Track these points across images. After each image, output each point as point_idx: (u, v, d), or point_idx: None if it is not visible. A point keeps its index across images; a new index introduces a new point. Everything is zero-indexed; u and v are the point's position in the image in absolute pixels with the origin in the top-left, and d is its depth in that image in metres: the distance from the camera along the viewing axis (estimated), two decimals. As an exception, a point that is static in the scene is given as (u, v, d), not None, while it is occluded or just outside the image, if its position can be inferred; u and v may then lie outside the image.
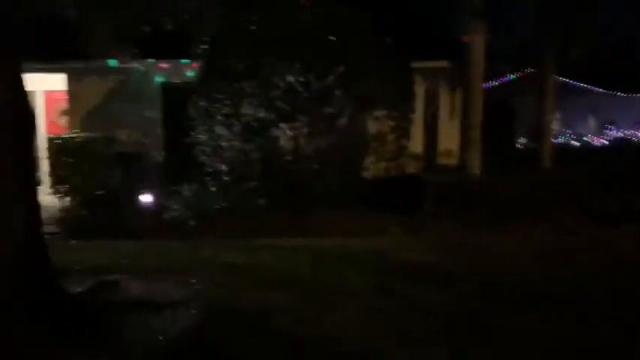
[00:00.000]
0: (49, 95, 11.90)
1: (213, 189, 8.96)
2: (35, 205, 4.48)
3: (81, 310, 4.60)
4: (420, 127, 11.49)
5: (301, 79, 8.86)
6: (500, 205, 8.69)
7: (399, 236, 7.70)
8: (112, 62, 10.92)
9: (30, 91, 12.26)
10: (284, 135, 8.96)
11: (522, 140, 19.52)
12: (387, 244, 7.27)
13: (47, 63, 11.00)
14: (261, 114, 8.68)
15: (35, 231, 4.47)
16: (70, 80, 11.30)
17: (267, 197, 8.65)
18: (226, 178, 8.91)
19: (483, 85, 11.81)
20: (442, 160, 11.84)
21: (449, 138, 12.04)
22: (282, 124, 8.84)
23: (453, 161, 11.66)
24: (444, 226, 7.92)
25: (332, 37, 9.05)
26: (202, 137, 8.99)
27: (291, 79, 8.76)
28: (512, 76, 18.93)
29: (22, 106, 4.48)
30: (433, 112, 12.17)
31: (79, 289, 5.08)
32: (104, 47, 10.10)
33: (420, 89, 10.98)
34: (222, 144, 8.80)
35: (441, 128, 12.18)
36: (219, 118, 8.75)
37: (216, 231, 7.81)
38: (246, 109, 8.64)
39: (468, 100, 11.12)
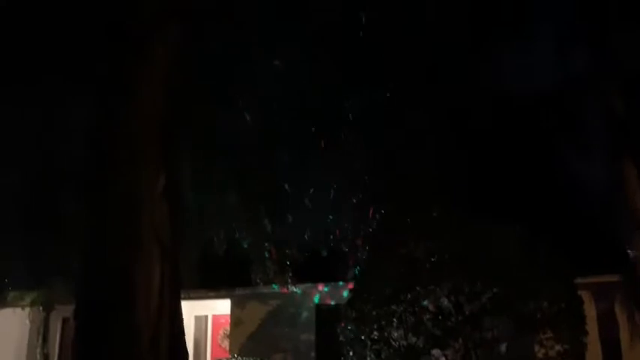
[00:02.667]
0: (216, 319, 12.82)
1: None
2: None
3: None
4: (596, 352, 10.04)
5: (453, 301, 8.50)
6: None
7: None
8: (273, 287, 11.58)
9: (201, 316, 13.39)
10: (437, 362, 8.37)
11: None
12: None
13: (216, 290, 12.10)
14: (411, 339, 8.30)
15: None
16: (234, 305, 12.14)
17: None
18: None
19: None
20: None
21: (636, 365, 10.25)
22: (434, 351, 8.31)
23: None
24: None
25: (485, 256, 8.78)
26: (352, 364, 8.73)
27: (442, 301, 8.46)
28: None
29: (178, 340, 4.85)
30: (613, 334, 10.66)
31: None
32: (266, 274, 10.96)
33: (590, 308, 9.85)
34: (372, 372, 8.41)
35: (624, 354, 10.48)
36: (368, 342, 8.52)
37: None
38: (395, 334, 8.35)
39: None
